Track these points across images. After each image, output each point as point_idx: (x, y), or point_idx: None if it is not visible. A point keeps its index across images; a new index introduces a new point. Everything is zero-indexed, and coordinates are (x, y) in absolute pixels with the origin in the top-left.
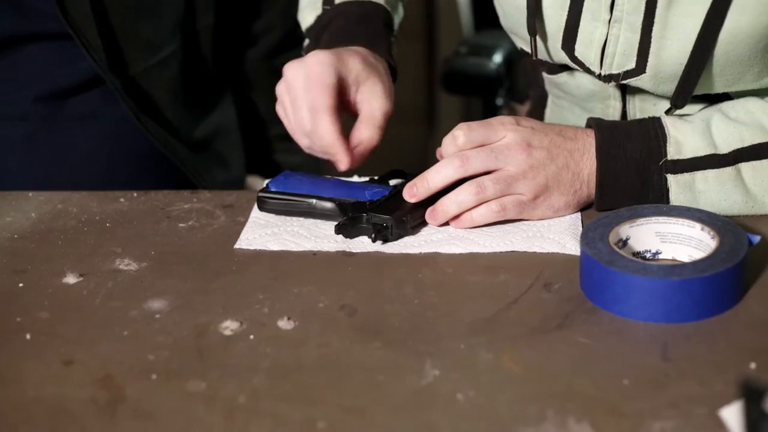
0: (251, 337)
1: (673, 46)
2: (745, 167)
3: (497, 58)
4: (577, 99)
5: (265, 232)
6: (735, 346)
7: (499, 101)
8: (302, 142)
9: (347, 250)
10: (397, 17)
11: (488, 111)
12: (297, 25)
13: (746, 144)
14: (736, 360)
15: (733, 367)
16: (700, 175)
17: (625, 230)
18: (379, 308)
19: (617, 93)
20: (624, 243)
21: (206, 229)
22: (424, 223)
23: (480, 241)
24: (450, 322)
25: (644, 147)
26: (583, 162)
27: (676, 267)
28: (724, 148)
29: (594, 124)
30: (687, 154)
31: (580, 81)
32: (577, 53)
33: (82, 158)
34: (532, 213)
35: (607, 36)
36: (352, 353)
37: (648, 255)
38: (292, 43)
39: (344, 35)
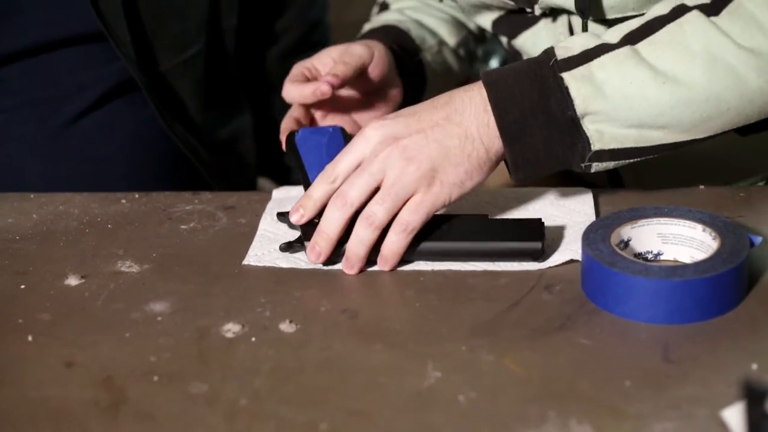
0: (253, 339)
1: None
2: (641, 46)
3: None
4: None
5: (273, 248)
6: (736, 347)
7: None
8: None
9: None
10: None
11: None
12: (312, 28)
13: (634, 27)
14: (738, 361)
15: (734, 368)
16: (596, 63)
17: (627, 231)
18: (380, 311)
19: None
20: (625, 244)
21: (208, 231)
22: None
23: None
24: (451, 325)
25: (531, 61)
26: (465, 119)
27: (678, 268)
28: (614, 39)
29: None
30: (576, 50)
31: (536, 39)
32: None
33: (100, 162)
34: (440, 199)
35: None
36: (353, 356)
37: (649, 256)
38: (308, 46)
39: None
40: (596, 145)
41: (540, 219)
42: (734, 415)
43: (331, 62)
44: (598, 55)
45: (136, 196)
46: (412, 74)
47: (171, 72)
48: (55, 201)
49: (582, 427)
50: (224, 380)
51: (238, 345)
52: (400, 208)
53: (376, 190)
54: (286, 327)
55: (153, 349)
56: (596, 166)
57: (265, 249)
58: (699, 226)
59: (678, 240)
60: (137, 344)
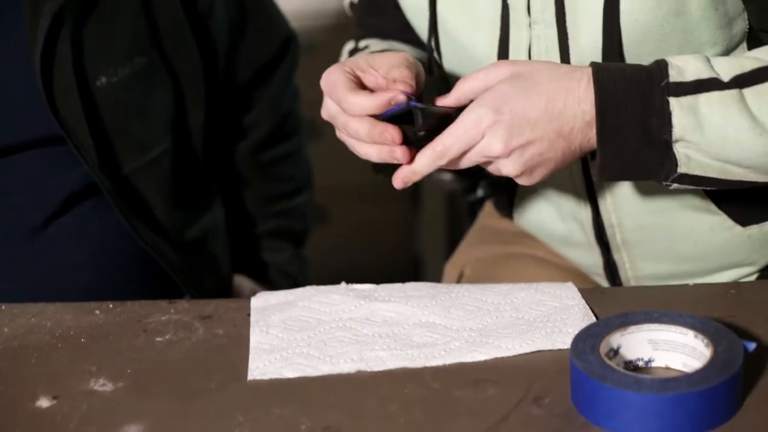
0: None
1: (588, 30)
2: (748, 92)
3: None
4: None
5: (274, 358)
6: None
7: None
8: (367, 152)
9: (364, 369)
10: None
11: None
12: (284, 119)
13: (746, 70)
14: None
15: None
16: (703, 98)
17: (617, 339)
18: (363, 429)
19: None
20: (615, 352)
21: (184, 343)
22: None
23: (501, 344)
24: None
25: (644, 70)
26: (573, 134)
27: (670, 381)
28: (725, 77)
29: (592, 65)
30: (689, 77)
31: None
32: None
33: (68, 270)
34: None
35: (530, 39)
36: None
37: (640, 363)
38: (279, 139)
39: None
40: (682, 169)
41: None
42: None
43: (388, 64)
44: (708, 90)
45: (110, 306)
46: None
47: (135, 174)
48: (26, 313)
49: None
50: None
51: None
52: None
53: None
54: None
55: None
56: (676, 186)
57: (265, 360)
58: (690, 332)
59: (669, 346)
60: None
